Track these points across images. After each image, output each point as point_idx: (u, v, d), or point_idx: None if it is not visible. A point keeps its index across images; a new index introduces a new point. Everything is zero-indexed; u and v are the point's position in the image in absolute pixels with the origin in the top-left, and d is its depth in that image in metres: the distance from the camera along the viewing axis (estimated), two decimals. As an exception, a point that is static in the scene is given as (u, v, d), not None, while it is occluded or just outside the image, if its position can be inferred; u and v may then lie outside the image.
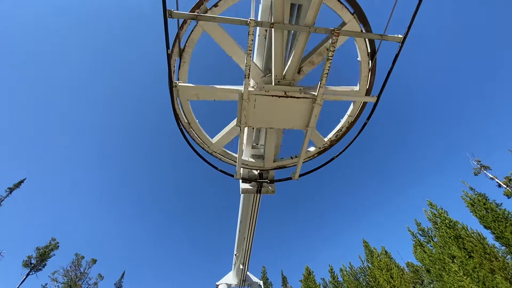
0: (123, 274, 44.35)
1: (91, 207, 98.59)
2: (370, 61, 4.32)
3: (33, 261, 33.53)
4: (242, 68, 4.07)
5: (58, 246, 36.37)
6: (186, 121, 4.73)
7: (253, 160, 5.63)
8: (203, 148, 5.20)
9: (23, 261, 33.06)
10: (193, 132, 4.92)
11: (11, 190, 34.64)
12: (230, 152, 5.47)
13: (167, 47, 3.52)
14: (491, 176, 32.04)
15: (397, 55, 3.91)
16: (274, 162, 5.69)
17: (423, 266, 28.50)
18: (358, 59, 4.33)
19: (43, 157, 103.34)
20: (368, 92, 4.60)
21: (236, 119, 4.81)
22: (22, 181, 36.07)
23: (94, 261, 38.86)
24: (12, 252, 52.61)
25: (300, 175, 5.34)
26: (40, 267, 33.95)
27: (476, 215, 24.05)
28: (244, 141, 5.62)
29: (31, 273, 33.04)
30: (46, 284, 34.24)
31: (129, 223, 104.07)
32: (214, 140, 5.12)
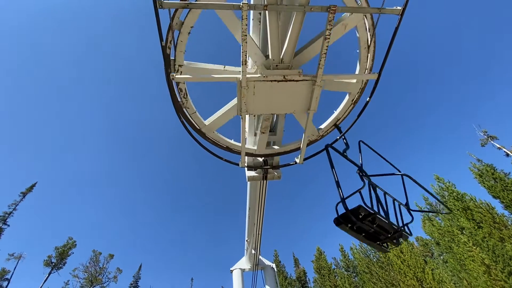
0: (140, 267, 46.13)
1: (102, 204, 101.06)
2: (369, 38, 4.21)
3: (54, 260, 34.93)
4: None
5: (76, 244, 37.72)
6: (180, 102, 4.56)
7: (255, 148, 5.63)
8: (202, 136, 5.11)
9: (44, 260, 34.47)
10: (189, 116, 4.77)
11: (24, 194, 35.60)
12: (233, 142, 5.45)
13: (161, 39, 3.45)
14: (499, 146, 31.68)
15: (396, 28, 3.78)
16: (277, 148, 5.68)
17: (433, 239, 28.89)
18: (357, 35, 4.22)
19: (51, 158, 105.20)
20: (369, 71, 4.50)
21: (232, 100, 4.75)
22: (34, 185, 36.99)
23: (112, 256, 40.30)
24: (32, 254, 54.83)
25: (305, 159, 5.33)
26: (60, 265, 35.39)
27: (484, 186, 24.02)
28: (247, 129, 5.60)
29: (52, 272, 34.52)
30: (68, 281, 35.81)
31: (140, 216, 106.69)
32: (207, 122, 4.92)
